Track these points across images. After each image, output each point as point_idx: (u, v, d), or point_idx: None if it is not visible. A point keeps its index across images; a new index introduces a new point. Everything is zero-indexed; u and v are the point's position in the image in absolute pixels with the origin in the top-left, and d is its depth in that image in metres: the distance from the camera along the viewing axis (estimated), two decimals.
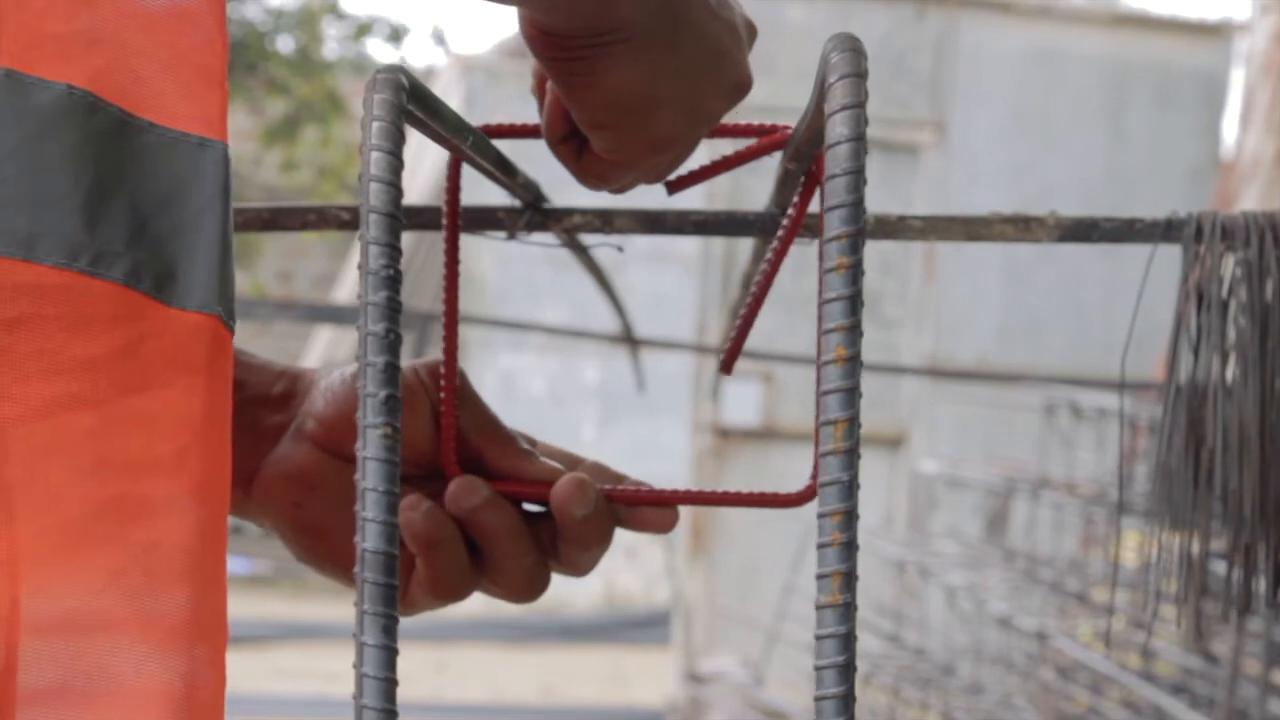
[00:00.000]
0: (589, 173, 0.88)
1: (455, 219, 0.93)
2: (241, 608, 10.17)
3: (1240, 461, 0.98)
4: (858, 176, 0.56)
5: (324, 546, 0.87)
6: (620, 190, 0.91)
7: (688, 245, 8.86)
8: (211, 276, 0.67)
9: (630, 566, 9.83)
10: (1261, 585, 1.00)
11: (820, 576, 0.55)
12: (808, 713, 5.27)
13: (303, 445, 0.87)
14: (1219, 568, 1.02)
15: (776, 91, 8.60)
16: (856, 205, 0.56)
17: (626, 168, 0.87)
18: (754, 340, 1.01)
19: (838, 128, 0.56)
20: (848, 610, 0.54)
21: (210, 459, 0.66)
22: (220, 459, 0.66)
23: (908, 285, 8.02)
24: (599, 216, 1.03)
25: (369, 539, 0.52)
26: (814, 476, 0.89)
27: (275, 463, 0.87)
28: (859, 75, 0.58)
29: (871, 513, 6.78)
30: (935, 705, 4.46)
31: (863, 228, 0.56)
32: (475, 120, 0.89)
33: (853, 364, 0.57)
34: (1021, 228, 0.99)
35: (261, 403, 0.88)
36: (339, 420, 0.86)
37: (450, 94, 9.79)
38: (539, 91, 0.90)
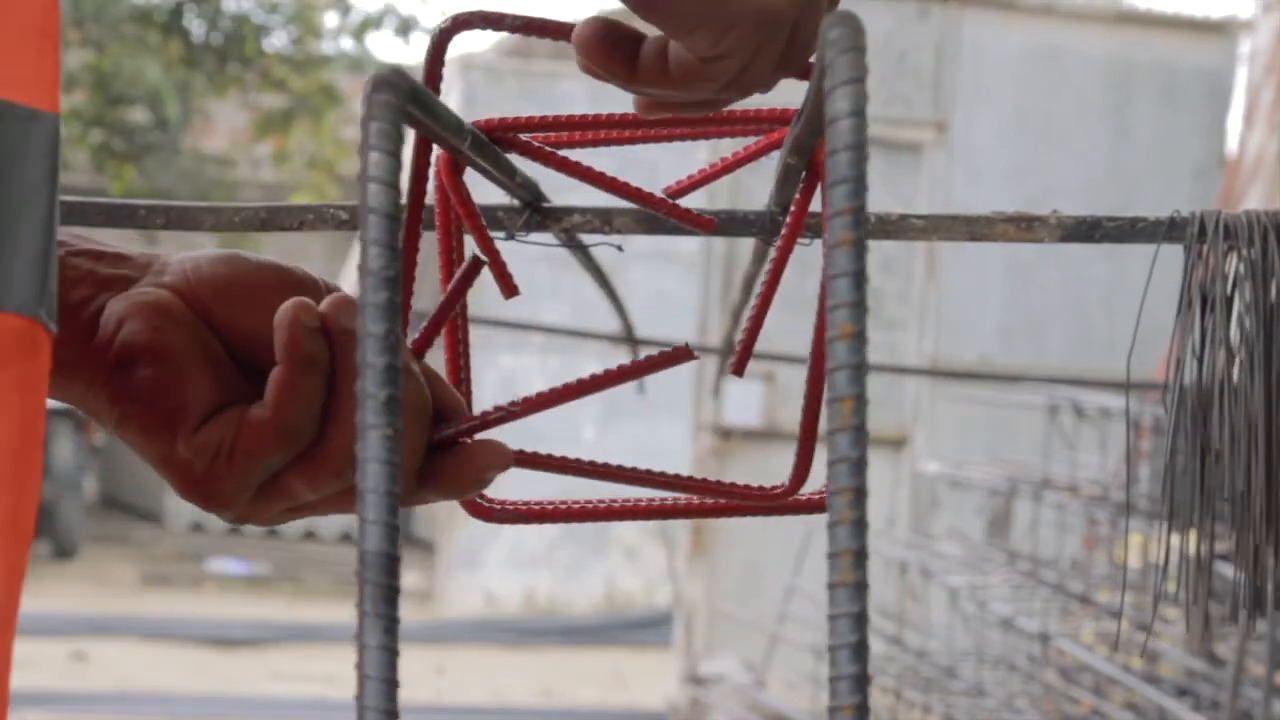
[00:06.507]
0: (666, 79, 0.78)
1: (470, 220, 0.92)
2: (239, 609, 10.16)
3: (1247, 463, 0.98)
4: (859, 183, 0.55)
5: (177, 384, 0.76)
6: (713, 98, 0.80)
7: (689, 244, 8.85)
8: (33, 272, 0.58)
9: (631, 568, 9.82)
10: (1269, 587, 0.99)
11: (832, 586, 0.54)
12: (808, 715, 5.26)
13: (162, 290, 0.77)
14: (1223, 569, 1.02)
15: (777, 89, 8.58)
16: (859, 210, 0.55)
17: (724, 60, 0.77)
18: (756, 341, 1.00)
19: (841, 136, 0.55)
20: (859, 619, 0.53)
21: (19, 481, 0.58)
22: (29, 482, 0.58)
23: (909, 285, 8.01)
24: (599, 216, 1.02)
25: (370, 541, 0.51)
26: (794, 478, 0.89)
27: (132, 296, 0.77)
28: (859, 79, 0.57)
29: (874, 514, 6.78)
30: (937, 707, 4.45)
31: (864, 235, 0.55)
32: (474, 118, 0.88)
33: (859, 370, 0.56)
34: (1024, 227, 0.98)
35: (96, 257, 0.78)
36: (213, 279, 0.78)
37: (449, 92, 9.79)
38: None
